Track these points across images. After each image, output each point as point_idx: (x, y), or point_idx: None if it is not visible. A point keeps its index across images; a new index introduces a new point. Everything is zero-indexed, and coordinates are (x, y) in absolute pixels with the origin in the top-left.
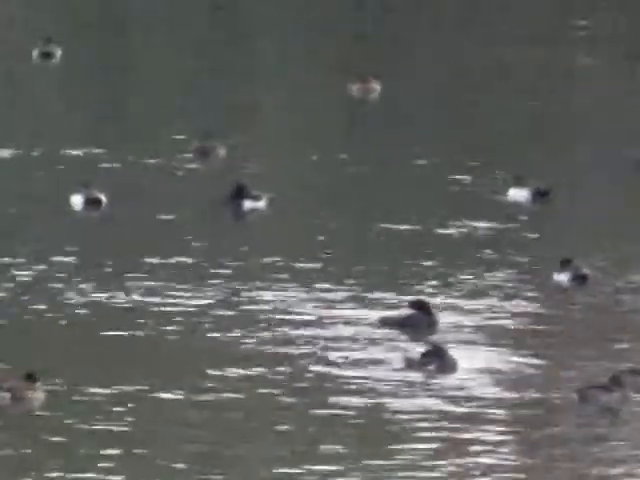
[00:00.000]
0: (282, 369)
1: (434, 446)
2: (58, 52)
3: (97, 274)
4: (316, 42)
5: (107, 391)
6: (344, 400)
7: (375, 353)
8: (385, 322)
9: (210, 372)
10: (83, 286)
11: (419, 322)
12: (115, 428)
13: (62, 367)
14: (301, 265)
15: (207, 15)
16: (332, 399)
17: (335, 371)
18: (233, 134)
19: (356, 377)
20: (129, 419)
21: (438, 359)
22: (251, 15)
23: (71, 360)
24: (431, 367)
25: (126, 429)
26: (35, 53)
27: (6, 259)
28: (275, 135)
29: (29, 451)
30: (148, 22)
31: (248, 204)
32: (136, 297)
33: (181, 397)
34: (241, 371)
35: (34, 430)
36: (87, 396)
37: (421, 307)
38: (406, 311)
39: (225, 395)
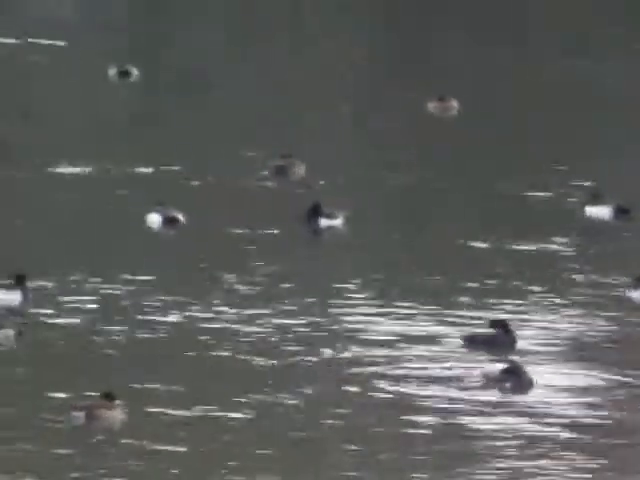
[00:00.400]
0: (358, 388)
1: (516, 465)
2: (134, 71)
3: (176, 292)
4: (394, 59)
5: (186, 413)
6: (422, 419)
7: (453, 371)
8: (469, 340)
9: (286, 389)
10: (161, 305)
11: (502, 341)
12: (190, 449)
13: (142, 386)
14: (378, 282)
15: (286, 35)
16: (410, 418)
17: (413, 390)
18: (311, 152)
19: (434, 395)
20: (203, 439)
21: (516, 377)
22: (326, 32)
23: (150, 379)
24: (508, 385)
25: (202, 449)
26: (112, 72)
27: (83, 278)
28: (353, 153)
29: (104, 471)
30: (225, 39)
31: (324, 222)
32: (214, 315)
33: (252, 416)
34: (318, 389)
35: (107, 451)
36: (166, 416)
37: (502, 326)
38: (487, 330)
39: (298, 415)
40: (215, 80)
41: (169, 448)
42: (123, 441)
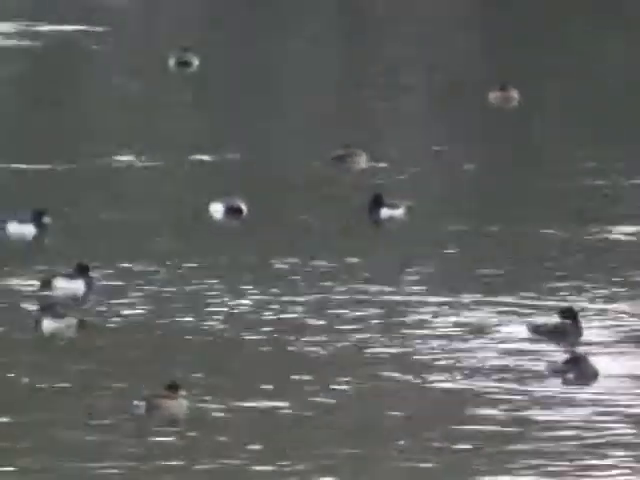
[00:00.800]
0: (421, 380)
1: (580, 457)
2: (195, 61)
3: (239, 282)
4: (457, 51)
5: (246, 404)
6: (486, 412)
7: (518, 361)
8: (535, 330)
9: (343, 379)
10: (225, 294)
11: (568, 332)
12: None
13: (206, 377)
14: (439, 273)
15: (347, 28)
16: (473, 411)
17: (477, 381)
18: (374, 142)
19: (497, 387)
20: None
21: (580, 368)
22: (390, 26)
23: (215, 370)
24: (572, 376)
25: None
26: (172, 62)
27: (147, 268)
28: (414, 143)
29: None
30: (289, 30)
31: (385, 212)
32: (276, 306)
33: (314, 409)
34: (380, 380)
35: (164, 442)
36: (227, 411)
37: (572, 316)
38: (554, 319)
39: (363, 407)
40: (278, 70)
41: (232, 440)
42: (181, 432)
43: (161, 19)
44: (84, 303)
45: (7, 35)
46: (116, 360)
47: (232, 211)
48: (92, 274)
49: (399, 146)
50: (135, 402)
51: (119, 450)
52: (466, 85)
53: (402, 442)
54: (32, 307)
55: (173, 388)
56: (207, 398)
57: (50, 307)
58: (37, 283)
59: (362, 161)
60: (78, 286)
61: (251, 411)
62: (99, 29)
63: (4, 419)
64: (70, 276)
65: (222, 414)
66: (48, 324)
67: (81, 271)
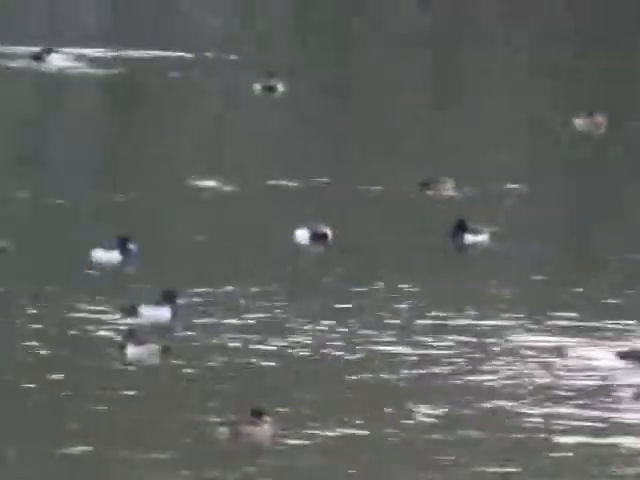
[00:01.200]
0: (512, 403)
1: None
2: (280, 87)
3: (324, 307)
4: (541, 76)
5: (339, 431)
6: (569, 440)
7: (605, 387)
8: (625, 356)
9: (426, 406)
10: (310, 321)
11: None
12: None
13: (292, 404)
14: (524, 296)
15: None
16: (561, 439)
17: (561, 407)
18: (459, 168)
19: (582, 414)
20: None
21: None
22: (483, 46)
23: (300, 396)
24: None
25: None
26: (257, 87)
27: (232, 294)
28: (498, 168)
29: None
30: (372, 49)
31: (470, 238)
32: (362, 331)
33: (392, 434)
34: (459, 410)
35: (246, 469)
36: (315, 434)
37: None
38: None
39: (440, 433)
40: (363, 90)
41: (319, 464)
42: (263, 459)
43: (245, 44)
44: (170, 330)
45: (92, 61)
46: (199, 386)
47: (318, 237)
48: (178, 301)
49: (482, 172)
50: (219, 429)
51: (204, 476)
52: (553, 109)
53: (477, 469)
54: (116, 334)
55: (258, 414)
56: (291, 424)
57: (134, 333)
58: (122, 310)
59: (448, 187)
60: (164, 313)
61: (334, 438)
62: (186, 54)
63: (85, 448)
64: (156, 303)
65: (305, 441)
66: (132, 351)
67: (167, 298)
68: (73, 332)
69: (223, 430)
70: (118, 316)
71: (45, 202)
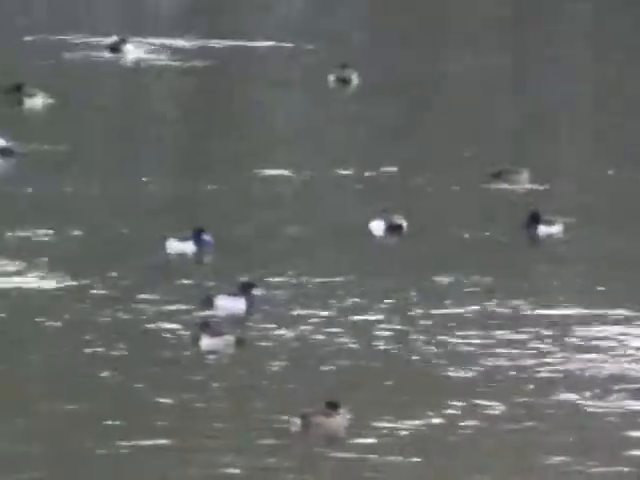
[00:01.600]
0: (596, 401)
1: None
2: (354, 78)
3: (399, 299)
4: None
5: (404, 427)
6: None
7: None
8: None
9: (500, 400)
10: (385, 316)
11: None
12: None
13: (363, 398)
14: (598, 287)
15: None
16: (633, 433)
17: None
18: (534, 159)
19: None
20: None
21: None
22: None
23: (375, 390)
24: None
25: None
26: (331, 78)
27: (308, 285)
28: (575, 161)
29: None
30: (448, 41)
31: (543, 229)
32: (439, 324)
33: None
34: (531, 402)
35: (315, 461)
36: (388, 428)
37: None
38: None
39: (521, 431)
40: (435, 84)
41: (393, 459)
42: (334, 452)
43: (320, 34)
44: (246, 321)
45: (169, 51)
46: (272, 378)
47: (393, 228)
48: (255, 291)
49: (559, 164)
50: (291, 419)
51: (275, 467)
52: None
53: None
54: (191, 325)
55: (333, 406)
56: (363, 418)
57: (208, 325)
58: (198, 301)
59: (523, 179)
60: (240, 304)
61: (406, 433)
62: (263, 44)
63: (162, 441)
64: (232, 294)
65: (377, 434)
66: (206, 342)
67: (243, 289)
68: (148, 323)
69: (295, 421)
70: (193, 307)
71: (121, 193)
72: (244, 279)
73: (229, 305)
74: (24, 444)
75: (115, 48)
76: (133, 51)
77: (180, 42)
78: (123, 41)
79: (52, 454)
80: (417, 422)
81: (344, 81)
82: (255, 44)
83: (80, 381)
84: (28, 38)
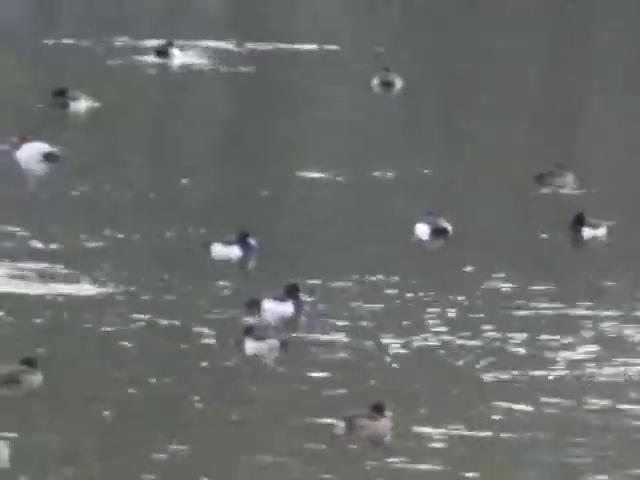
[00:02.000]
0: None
1: None
2: (398, 82)
3: (443, 304)
4: None
5: (448, 433)
6: None
7: None
8: None
9: (553, 404)
10: (427, 319)
11: None
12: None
13: (409, 403)
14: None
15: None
16: None
17: None
18: (580, 162)
19: None
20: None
21: None
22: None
23: (419, 394)
24: None
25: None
26: (375, 82)
27: (352, 288)
28: (623, 165)
29: None
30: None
31: (588, 232)
32: (486, 327)
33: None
34: (576, 406)
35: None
36: (426, 438)
37: None
38: None
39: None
40: (481, 86)
41: (425, 467)
42: (378, 456)
43: (364, 39)
44: (292, 324)
45: (216, 55)
46: (317, 382)
47: (439, 232)
48: (301, 295)
49: (605, 168)
50: (334, 422)
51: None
52: None
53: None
54: (236, 329)
55: (378, 409)
56: (408, 423)
57: (253, 329)
58: (245, 305)
59: (568, 181)
60: (287, 307)
61: (451, 439)
62: (307, 47)
63: (191, 447)
64: (279, 297)
65: (420, 440)
66: (250, 345)
67: (290, 292)
68: (194, 328)
69: (339, 424)
70: (239, 312)
71: (164, 198)
72: (290, 282)
73: (276, 309)
74: (78, 441)
75: (162, 52)
76: (179, 55)
77: (225, 45)
78: (170, 44)
79: (103, 450)
80: (463, 428)
81: (387, 84)
82: (299, 46)
83: (128, 380)
84: (73, 41)
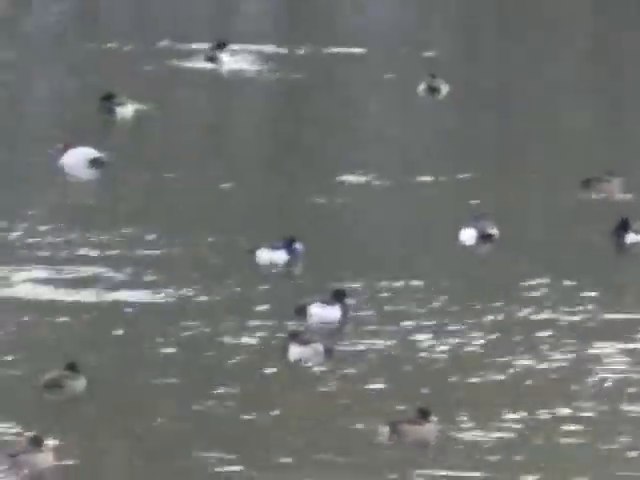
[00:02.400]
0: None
1: None
2: (444, 88)
3: (490, 310)
4: None
5: (491, 438)
6: None
7: None
8: None
9: (582, 408)
10: (475, 324)
11: None
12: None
13: (454, 407)
14: None
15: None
16: None
17: None
18: (627, 168)
19: None
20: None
21: None
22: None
23: (461, 398)
24: None
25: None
26: (421, 87)
27: (396, 293)
28: None
29: None
30: (527, 54)
31: (632, 237)
32: (530, 333)
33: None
34: (613, 411)
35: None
36: (470, 443)
37: None
38: None
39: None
40: (521, 96)
41: (470, 474)
42: (422, 460)
43: (416, 41)
44: (339, 329)
45: (266, 59)
46: (362, 387)
47: (485, 237)
48: (347, 300)
49: None
50: (380, 427)
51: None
52: None
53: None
54: (283, 334)
55: (424, 413)
56: (453, 428)
57: (298, 333)
58: (290, 310)
59: (614, 187)
60: (335, 312)
61: (493, 445)
62: (357, 50)
63: (231, 456)
64: (326, 302)
65: (465, 445)
66: (295, 351)
67: (337, 297)
68: (239, 333)
69: (383, 429)
70: (286, 317)
71: (210, 202)
72: (337, 287)
73: (323, 314)
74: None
75: (211, 57)
76: (228, 61)
77: (274, 49)
78: (219, 47)
79: (139, 458)
80: (511, 434)
81: (434, 90)
82: (347, 50)
83: (170, 388)
84: (120, 45)
